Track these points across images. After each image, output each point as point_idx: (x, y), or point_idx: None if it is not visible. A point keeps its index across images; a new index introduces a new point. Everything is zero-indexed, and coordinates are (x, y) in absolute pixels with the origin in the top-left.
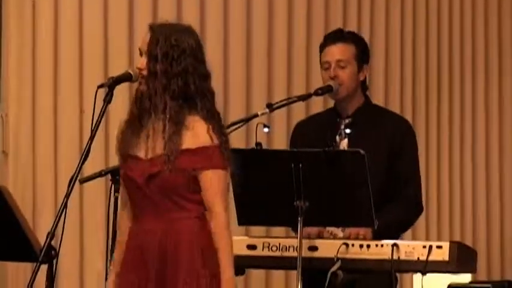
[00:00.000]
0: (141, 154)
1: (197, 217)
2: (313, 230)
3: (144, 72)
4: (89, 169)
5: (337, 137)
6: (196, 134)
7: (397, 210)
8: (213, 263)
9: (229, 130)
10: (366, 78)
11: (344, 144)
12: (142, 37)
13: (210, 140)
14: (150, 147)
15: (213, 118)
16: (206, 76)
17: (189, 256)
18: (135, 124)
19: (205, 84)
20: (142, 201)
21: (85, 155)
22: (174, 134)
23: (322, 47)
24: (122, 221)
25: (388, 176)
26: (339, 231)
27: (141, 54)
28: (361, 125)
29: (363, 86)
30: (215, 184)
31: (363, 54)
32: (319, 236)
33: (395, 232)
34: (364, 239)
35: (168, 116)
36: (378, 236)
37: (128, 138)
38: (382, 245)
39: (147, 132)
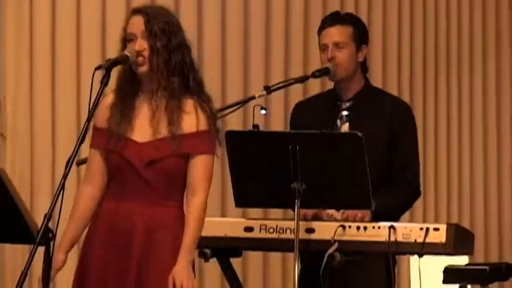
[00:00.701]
0: (140, 137)
1: (181, 207)
2: (309, 212)
3: (145, 53)
4: (86, 151)
5: (338, 121)
6: (193, 118)
7: (396, 194)
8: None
9: (226, 112)
10: (365, 59)
11: (345, 128)
12: (130, 22)
13: (203, 125)
14: (154, 128)
15: (204, 97)
16: (191, 50)
17: (174, 250)
18: (126, 105)
19: (192, 58)
20: (134, 184)
21: (82, 137)
22: (176, 117)
23: (320, 30)
24: (80, 198)
25: (387, 159)
26: (338, 214)
27: (133, 39)
28: (362, 108)
29: (363, 68)
30: (202, 169)
31: (360, 35)
32: (316, 218)
33: (392, 215)
34: (362, 221)
35: (170, 94)
36: (375, 218)
37: (121, 118)
38: (379, 227)
39: (150, 113)
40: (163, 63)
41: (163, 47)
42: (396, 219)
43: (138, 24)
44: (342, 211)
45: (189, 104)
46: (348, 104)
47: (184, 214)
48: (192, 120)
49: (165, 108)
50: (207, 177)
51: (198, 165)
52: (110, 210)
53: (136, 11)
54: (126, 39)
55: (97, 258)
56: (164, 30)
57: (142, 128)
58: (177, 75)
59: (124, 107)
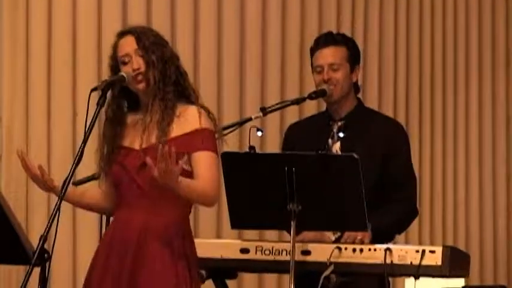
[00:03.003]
0: (137, 145)
1: (180, 215)
2: (308, 234)
3: (142, 70)
4: (82, 172)
5: (330, 140)
6: (188, 119)
7: (393, 212)
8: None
9: (223, 133)
10: (357, 79)
11: (336, 147)
12: (121, 45)
13: (200, 123)
14: (145, 137)
15: (199, 102)
16: (179, 58)
17: (165, 259)
18: (120, 121)
19: (182, 66)
20: (130, 191)
21: (78, 158)
22: (167, 124)
23: (313, 51)
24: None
25: (381, 179)
26: (331, 235)
27: (126, 61)
28: (354, 128)
29: (355, 88)
30: (208, 162)
31: (354, 55)
32: (315, 242)
33: (390, 235)
34: (363, 242)
35: (164, 104)
36: (374, 237)
37: (117, 135)
38: (375, 249)
39: (144, 124)
40: (160, 75)
41: (158, 59)
42: (392, 238)
43: (129, 43)
44: (333, 232)
45: (184, 108)
46: (340, 124)
47: (182, 225)
48: (187, 122)
49: (159, 118)
50: (213, 169)
51: (201, 161)
52: (115, 220)
53: (123, 33)
54: (119, 63)
55: (100, 268)
56: (155, 43)
57: (137, 138)
58: (172, 85)
59: (118, 122)
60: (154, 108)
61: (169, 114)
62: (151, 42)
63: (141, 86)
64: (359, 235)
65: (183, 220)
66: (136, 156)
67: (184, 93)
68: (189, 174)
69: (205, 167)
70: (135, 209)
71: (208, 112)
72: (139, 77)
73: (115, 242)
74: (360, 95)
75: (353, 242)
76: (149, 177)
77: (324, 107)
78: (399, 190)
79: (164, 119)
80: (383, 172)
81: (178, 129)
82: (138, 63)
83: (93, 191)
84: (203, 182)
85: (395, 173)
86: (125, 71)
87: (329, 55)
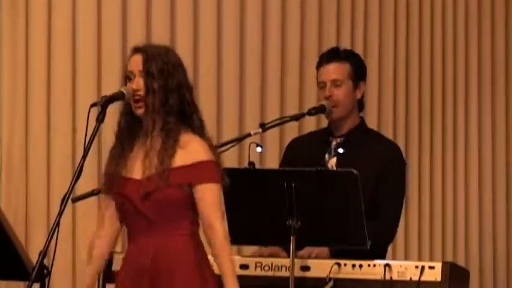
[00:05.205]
0: (137, 175)
1: (190, 235)
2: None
3: (141, 93)
4: (81, 188)
5: (326, 155)
6: (192, 150)
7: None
8: (207, 281)
9: (222, 149)
10: (363, 96)
11: (332, 162)
12: (131, 60)
13: (205, 155)
14: (146, 166)
15: (206, 133)
16: (192, 89)
17: (184, 277)
18: (125, 146)
19: (193, 97)
20: (137, 221)
21: (78, 174)
22: (169, 152)
23: (318, 66)
24: (93, 247)
25: (371, 199)
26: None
27: (131, 78)
28: (352, 145)
29: (360, 105)
30: (210, 196)
31: (358, 71)
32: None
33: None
34: (316, 258)
35: (166, 134)
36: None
37: (119, 160)
38: (374, 265)
39: (144, 152)
40: (160, 104)
41: (160, 87)
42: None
43: (137, 62)
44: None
45: (188, 138)
46: (338, 140)
47: (195, 241)
48: (192, 153)
49: (160, 148)
50: (216, 203)
51: (206, 195)
52: (127, 252)
53: (136, 50)
54: (126, 77)
55: None
56: (162, 70)
57: (137, 167)
58: (175, 115)
59: (122, 147)
60: (154, 135)
61: (171, 144)
62: (158, 69)
63: (140, 111)
64: (316, 250)
65: (192, 238)
66: (138, 187)
67: (189, 123)
68: (178, 192)
69: (212, 206)
70: (145, 238)
71: (211, 144)
72: (139, 103)
73: (133, 273)
74: (362, 114)
75: (309, 257)
76: (152, 204)
77: (323, 123)
78: (379, 211)
79: (166, 149)
80: (374, 192)
81: (181, 160)
82: (138, 84)
83: (95, 253)
84: (221, 251)
85: (381, 194)
86: (127, 87)
87: (331, 71)
